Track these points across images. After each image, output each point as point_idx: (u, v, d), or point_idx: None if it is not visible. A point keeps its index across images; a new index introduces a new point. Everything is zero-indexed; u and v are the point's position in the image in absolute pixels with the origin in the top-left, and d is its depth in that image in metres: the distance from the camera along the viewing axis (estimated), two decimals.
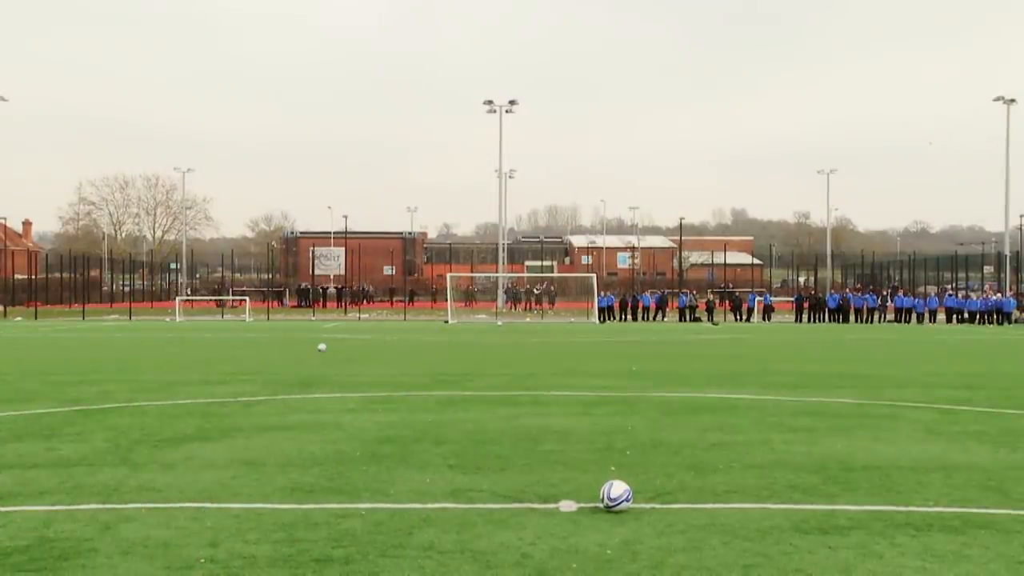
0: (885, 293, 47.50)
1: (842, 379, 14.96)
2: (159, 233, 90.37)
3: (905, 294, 46.44)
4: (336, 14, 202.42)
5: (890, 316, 43.37)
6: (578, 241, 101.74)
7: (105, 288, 65.41)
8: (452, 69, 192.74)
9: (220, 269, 79.11)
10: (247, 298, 46.54)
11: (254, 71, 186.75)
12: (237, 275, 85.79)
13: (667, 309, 44.53)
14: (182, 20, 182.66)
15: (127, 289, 64.06)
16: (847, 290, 49.01)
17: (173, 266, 75.40)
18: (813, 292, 48.91)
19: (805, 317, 43.26)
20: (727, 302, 45.13)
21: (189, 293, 62.92)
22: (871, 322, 41.66)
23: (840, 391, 13.07)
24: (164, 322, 39.90)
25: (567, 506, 6.10)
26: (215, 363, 18.17)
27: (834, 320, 42.05)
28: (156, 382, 14.16)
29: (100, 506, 6.15)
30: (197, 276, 78.02)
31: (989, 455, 8.12)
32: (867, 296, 43.39)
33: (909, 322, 41.95)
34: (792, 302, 46.59)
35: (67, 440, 8.79)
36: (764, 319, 43.07)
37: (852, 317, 41.88)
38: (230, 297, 52.59)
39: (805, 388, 13.51)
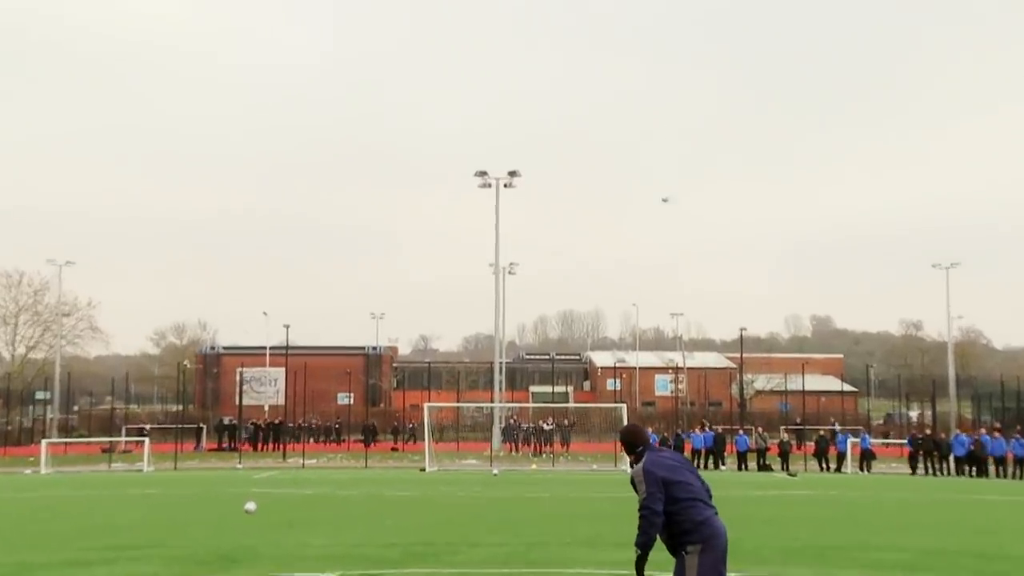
0: None
1: (974, 559, 14.78)
2: (21, 350, 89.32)
3: None
4: (271, 52, 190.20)
5: None
6: (601, 359, 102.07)
7: None
8: (431, 132, 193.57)
9: (110, 399, 79.02)
10: (147, 439, 46.37)
11: (161, 126, 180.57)
12: (133, 407, 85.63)
13: (724, 453, 44.37)
14: (67, 65, 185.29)
15: None
16: (981, 430, 48.74)
17: (40, 395, 74.98)
18: (931, 433, 48.61)
19: (922, 467, 42.99)
20: (808, 444, 44.93)
21: (63, 433, 62.63)
22: (1017, 477, 41.26)
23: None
24: (23, 475, 39.56)
25: None
26: (95, 534, 17.95)
27: (962, 473, 41.72)
28: (4, 566, 13.95)
29: None
30: (75, 409, 77.75)
31: None
32: (1013, 441, 43.08)
33: None
34: (906, 447, 45.98)
35: None
36: (861, 469, 42.83)
37: (990, 469, 41.54)
38: (122, 438, 52.47)
39: (922, 571, 13.39)
